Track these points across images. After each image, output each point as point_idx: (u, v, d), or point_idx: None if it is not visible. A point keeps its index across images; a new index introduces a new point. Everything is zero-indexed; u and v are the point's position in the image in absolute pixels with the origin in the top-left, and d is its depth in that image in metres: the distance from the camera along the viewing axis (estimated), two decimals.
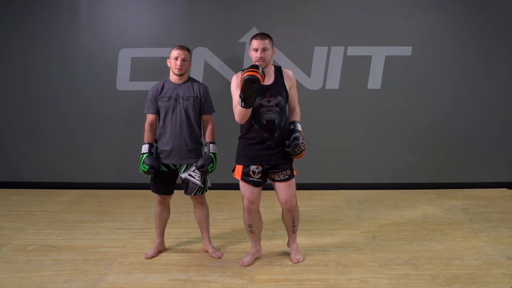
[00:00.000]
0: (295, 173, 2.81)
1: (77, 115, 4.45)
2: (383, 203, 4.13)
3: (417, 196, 4.31)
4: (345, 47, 4.30)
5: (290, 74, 2.75)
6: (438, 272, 2.79)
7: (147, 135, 2.89)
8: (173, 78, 2.87)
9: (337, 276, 2.75)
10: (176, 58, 2.79)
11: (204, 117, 2.96)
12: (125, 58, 4.33)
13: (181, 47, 2.81)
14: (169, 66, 2.86)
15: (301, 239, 3.25)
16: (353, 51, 4.31)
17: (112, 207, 4.04)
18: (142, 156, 2.83)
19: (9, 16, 4.29)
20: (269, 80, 2.68)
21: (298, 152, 2.67)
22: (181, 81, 2.87)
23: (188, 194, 2.96)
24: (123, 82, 4.37)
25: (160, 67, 4.30)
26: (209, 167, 2.86)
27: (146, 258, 2.98)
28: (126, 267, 2.87)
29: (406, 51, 4.32)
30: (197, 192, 2.93)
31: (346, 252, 3.07)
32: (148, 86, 4.22)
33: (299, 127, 2.72)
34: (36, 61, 4.37)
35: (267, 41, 2.60)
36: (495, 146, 4.50)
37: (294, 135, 2.67)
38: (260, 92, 2.64)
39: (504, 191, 4.47)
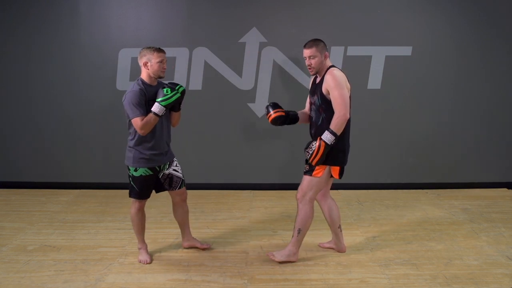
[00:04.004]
0: (316, 174, 2.79)
1: (77, 115, 4.45)
2: (383, 203, 4.13)
3: (417, 196, 4.32)
4: (345, 47, 4.30)
5: (328, 76, 2.72)
6: (438, 272, 2.79)
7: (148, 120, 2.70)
8: (149, 80, 2.76)
9: (337, 276, 2.75)
10: (161, 61, 2.71)
11: (177, 114, 2.92)
12: (125, 58, 4.33)
13: (162, 50, 2.74)
14: (146, 68, 2.72)
15: None
16: (353, 51, 4.31)
17: (112, 207, 4.04)
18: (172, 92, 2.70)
19: (9, 16, 4.29)
20: (320, 79, 2.81)
21: (308, 157, 2.74)
22: (155, 83, 2.80)
23: (172, 189, 2.95)
24: (123, 82, 4.37)
25: None
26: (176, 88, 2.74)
27: (147, 263, 2.93)
28: (126, 267, 2.87)
29: (406, 51, 4.32)
30: (181, 185, 2.97)
31: (346, 252, 3.08)
32: None
33: (324, 136, 2.68)
34: (36, 61, 4.37)
35: (313, 49, 2.76)
36: (495, 146, 4.50)
37: (311, 141, 2.76)
38: (312, 90, 2.88)
39: (504, 191, 4.47)
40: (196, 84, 4.33)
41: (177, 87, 2.74)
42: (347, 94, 2.72)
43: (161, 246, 3.19)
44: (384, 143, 4.48)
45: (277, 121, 2.91)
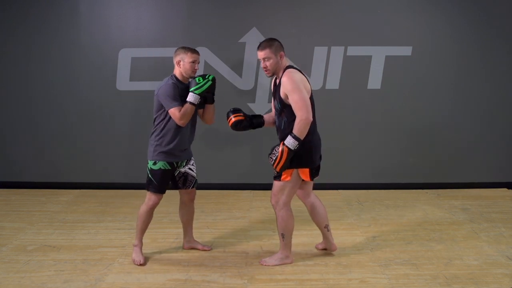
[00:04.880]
0: (285, 178, 2.74)
1: (77, 115, 4.45)
2: (383, 203, 4.13)
3: (417, 196, 4.31)
4: (345, 47, 4.30)
5: (284, 79, 2.63)
6: (438, 272, 2.79)
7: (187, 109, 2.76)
8: (181, 78, 2.84)
9: (337, 276, 2.75)
10: (194, 62, 2.80)
11: (212, 107, 2.99)
12: (125, 58, 4.33)
13: (196, 52, 2.83)
14: (179, 67, 2.81)
15: (301, 239, 3.25)
16: (353, 51, 4.30)
17: (112, 207, 4.04)
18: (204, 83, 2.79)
19: (9, 16, 4.29)
20: (278, 81, 2.75)
21: (272, 163, 2.66)
22: (186, 82, 2.86)
23: (186, 188, 2.98)
24: (123, 82, 4.37)
25: (160, 67, 4.31)
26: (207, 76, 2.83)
27: (140, 264, 2.89)
28: (126, 267, 2.87)
29: (406, 51, 4.32)
30: (194, 184, 3.01)
31: (346, 252, 3.07)
32: (148, 86, 4.28)
33: (287, 140, 2.60)
34: (36, 61, 4.37)
35: (267, 51, 2.68)
36: (495, 146, 4.50)
37: (275, 146, 2.68)
38: (273, 94, 2.83)
39: (504, 191, 4.46)
40: None
41: (207, 76, 2.82)
42: (306, 96, 2.62)
43: (161, 246, 3.19)
44: (384, 143, 4.47)
45: (237, 125, 2.86)
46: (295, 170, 2.73)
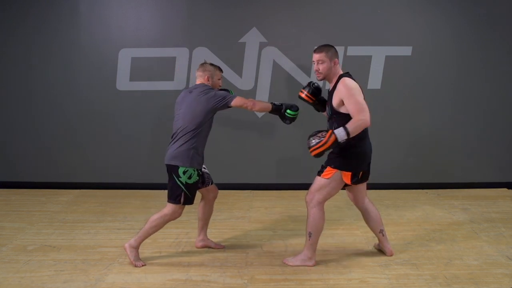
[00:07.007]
0: (325, 175, 2.76)
1: (77, 115, 4.45)
2: (383, 203, 4.13)
3: (417, 196, 4.31)
4: (345, 47, 4.30)
5: (340, 86, 2.65)
6: (438, 272, 2.79)
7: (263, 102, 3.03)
8: None
9: (337, 276, 2.75)
10: (220, 79, 3.06)
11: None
12: (125, 58, 4.33)
13: (222, 70, 3.11)
14: (207, 81, 2.98)
15: (302, 239, 3.24)
16: (353, 51, 4.31)
17: (112, 207, 4.04)
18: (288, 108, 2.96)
19: (9, 16, 4.30)
20: (331, 88, 2.77)
21: (310, 145, 2.62)
22: None
23: (206, 186, 3.03)
24: (123, 82, 4.37)
25: (160, 67, 4.32)
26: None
27: (142, 266, 2.89)
28: (126, 267, 2.87)
29: (406, 51, 4.32)
30: (212, 181, 3.08)
31: (346, 252, 3.07)
32: (148, 86, 4.30)
33: (337, 131, 2.56)
34: (36, 61, 4.37)
35: (322, 54, 2.71)
36: (495, 146, 4.50)
37: (320, 130, 2.68)
38: (328, 98, 2.83)
39: (504, 191, 4.47)
40: None
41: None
42: (363, 100, 2.65)
43: (161, 246, 3.18)
44: (384, 143, 4.47)
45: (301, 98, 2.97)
46: (338, 171, 2.74)
